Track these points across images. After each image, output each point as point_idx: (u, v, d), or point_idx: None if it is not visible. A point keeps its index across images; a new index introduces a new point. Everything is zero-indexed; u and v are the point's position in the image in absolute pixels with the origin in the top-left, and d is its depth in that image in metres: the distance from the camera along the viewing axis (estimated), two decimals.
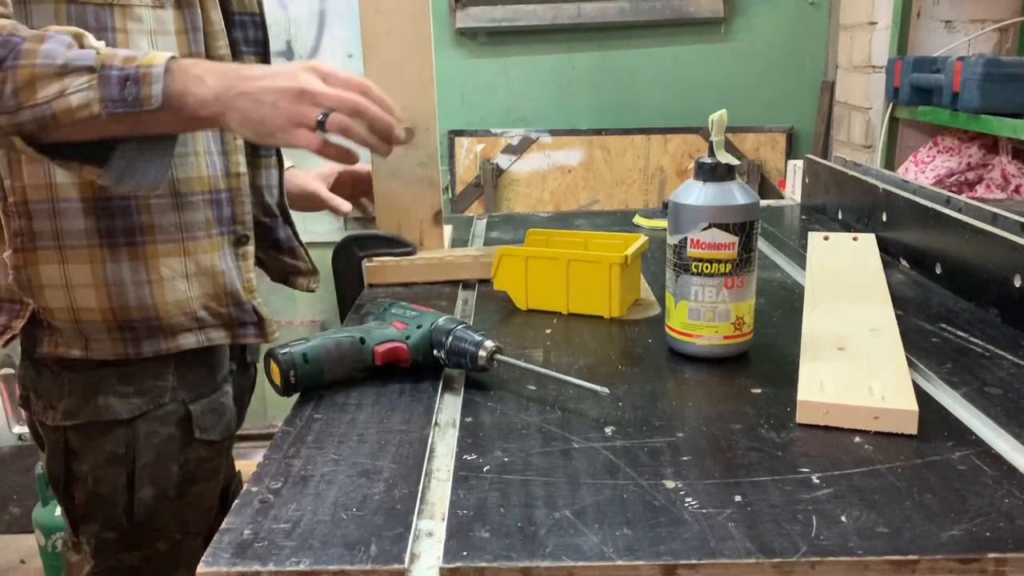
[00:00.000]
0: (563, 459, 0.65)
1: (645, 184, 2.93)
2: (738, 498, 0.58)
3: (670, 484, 0.60)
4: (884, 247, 1.21)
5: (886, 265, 1.13)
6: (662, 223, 1.44)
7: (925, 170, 2.25)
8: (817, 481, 0.60)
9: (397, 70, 1.11)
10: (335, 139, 0.91)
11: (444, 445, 0.69)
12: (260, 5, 1.12)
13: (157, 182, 0.92)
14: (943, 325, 0.93)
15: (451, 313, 0.93)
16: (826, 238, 1.23)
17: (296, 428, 0.72)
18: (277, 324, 1.14)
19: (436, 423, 0.73)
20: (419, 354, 0.81)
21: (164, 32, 0.98)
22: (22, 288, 0.99)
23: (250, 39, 1.11)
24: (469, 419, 0.73)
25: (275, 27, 2.71)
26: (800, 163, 1.66)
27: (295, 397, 0.79)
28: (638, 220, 1.52)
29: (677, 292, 0.84)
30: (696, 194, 0.82)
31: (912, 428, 0.67)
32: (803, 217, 1.54)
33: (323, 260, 1.26)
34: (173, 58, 0.86)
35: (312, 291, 1.27)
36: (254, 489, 0.61)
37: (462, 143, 2.88)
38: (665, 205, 1.29)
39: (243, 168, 1.08)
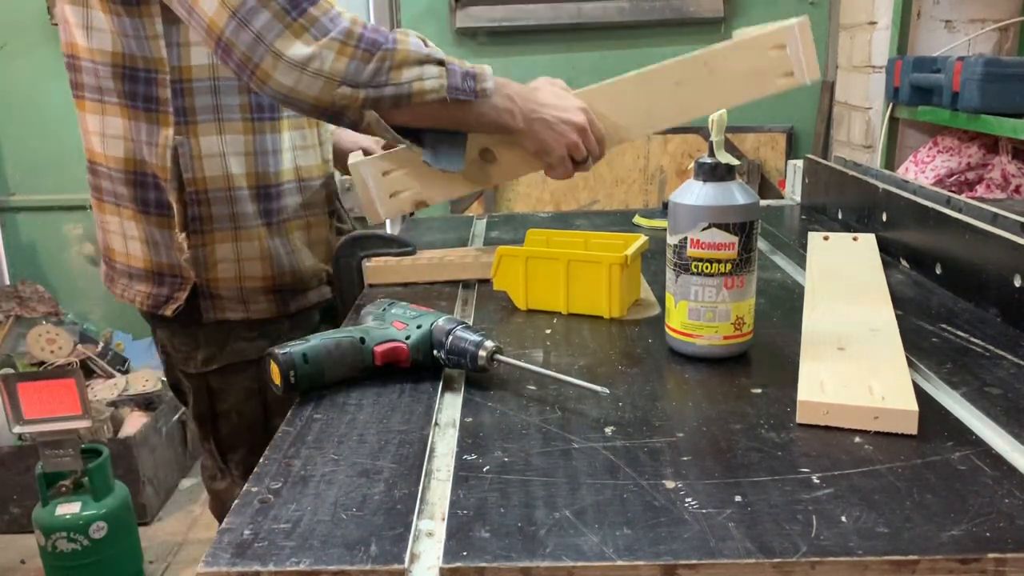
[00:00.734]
0: (563, 459, 0.65)
1: (645, 184, 2.93)
2: (738, 498, 0.58)
3: (670, 484, 0.60)
4: (884, 247, 1.21)
5: (886, 265, 1.13)
6: (662, 223, 1.44)
7: (925, 170, 2.25)
8: (817, 481, 0.60)
9: None
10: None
11: (444, 445, 0.69)
12: None
13: (462, 164, 1.11)
14: (943, 325, 0.93)
15: (451, 313, 0.93)
16: (826, 238, 1.23)
17: (296, 428, 0.72)
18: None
19: (436, 423, 0.73)
20: (419, 354, 0.81)
21: None
22: (196, 265, 1.15)
23: None
24: (469, 419, 0.73)
25: None
26: (800, 163, 1.66)
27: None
28: (638, 220, 1.52)
29: (677, 292, 0.84)
30: (696, 194, 0.82)
31: (912, 428, 0.67)
32: (803, 217, 1.54)
33: None
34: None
35: None
36: (254, 489, 0.61)
37: None
38: (665, 205, 1.29)
39: (330, 156, 1.30)
